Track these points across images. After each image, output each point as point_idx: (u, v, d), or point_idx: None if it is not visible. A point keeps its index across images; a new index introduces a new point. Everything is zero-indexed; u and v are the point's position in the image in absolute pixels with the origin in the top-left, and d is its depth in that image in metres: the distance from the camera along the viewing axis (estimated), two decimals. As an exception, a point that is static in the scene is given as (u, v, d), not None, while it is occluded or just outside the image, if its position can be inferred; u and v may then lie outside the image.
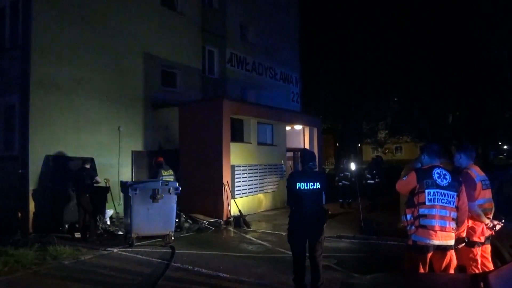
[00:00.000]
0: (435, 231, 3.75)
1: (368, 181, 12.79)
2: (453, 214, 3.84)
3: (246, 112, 12.46)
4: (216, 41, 15.53)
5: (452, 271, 3.83)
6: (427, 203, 3.81)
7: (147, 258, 7.12)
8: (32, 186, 9.52)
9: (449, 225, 3.79)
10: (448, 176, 3.90)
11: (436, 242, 3.75)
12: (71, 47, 10.39)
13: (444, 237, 3.76)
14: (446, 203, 3.82)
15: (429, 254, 3.81)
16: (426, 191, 3.83)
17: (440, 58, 19.69)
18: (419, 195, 3.87)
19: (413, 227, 3.86)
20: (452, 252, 3.85)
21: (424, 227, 3.79)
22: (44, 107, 9.79)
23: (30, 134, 9.53)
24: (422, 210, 3.83)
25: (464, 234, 4.13)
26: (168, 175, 9.47)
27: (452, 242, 3.83)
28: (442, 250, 3.80)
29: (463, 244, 4.10)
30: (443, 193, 3.82)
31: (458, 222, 3.91)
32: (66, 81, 10.28)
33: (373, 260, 6.90)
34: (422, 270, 3.79)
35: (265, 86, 17.96)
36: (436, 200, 3.80)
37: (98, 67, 11.00)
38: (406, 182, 4.03)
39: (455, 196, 3.86)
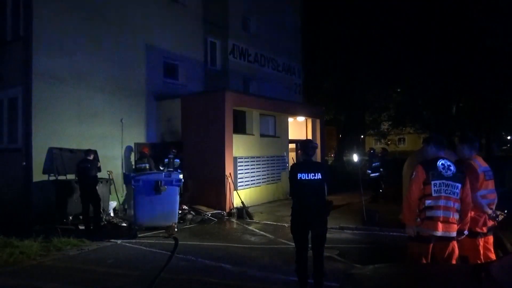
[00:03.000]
0: (439, 222, 3.74)
1: (372, 175, 12.76)
2: (457, 205, 3.84)
3: (248, 104, 12.44)
4: (218, 33, 15.44)
5: (454, 261, 3.83)
6: (433, 194, 3.81)
7: (151, 249, 7.17)
8: (35, 178, 9.56)
9: (452, 216, 3.79)
10: (452, 167, 3.89)
11: (439, 233, 3.76)
12: (73, 39, 10.36)
13: (447, 228, 3.76)
14: (450, 193, 3.81)
15: (431, 245, 3.82)
16: (432, 182, 3.82)
17: (444, 48, 19.52)
18: (425, 186, 3.85)
19: (419, 220, 3.86)
20: (455, 242, 3.85)
21: (430, 218, 3.79)
22: (47, 99, 9.80)
23: (33, 127, 9.55)
24: (429, 202, 3.83)
25: (466, 227, 4.10)
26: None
27: (454, 233, 3.83)
28: (445, 240, 3.80)
29: (463, 236, 4.09)
30: (447, 183, 3.82)
31: (462, 214, 3.90)
32: (68, 73, 10.27)
33: (375, 251, 6.94)
34: (424, 261, 3.80)
35: (268, 77, 17.89)
36: (441, 191, 3.80)
37: (100, 59, 10.98)
38: (417, 179, 3.89)
39: (459, 187, 3.85)
